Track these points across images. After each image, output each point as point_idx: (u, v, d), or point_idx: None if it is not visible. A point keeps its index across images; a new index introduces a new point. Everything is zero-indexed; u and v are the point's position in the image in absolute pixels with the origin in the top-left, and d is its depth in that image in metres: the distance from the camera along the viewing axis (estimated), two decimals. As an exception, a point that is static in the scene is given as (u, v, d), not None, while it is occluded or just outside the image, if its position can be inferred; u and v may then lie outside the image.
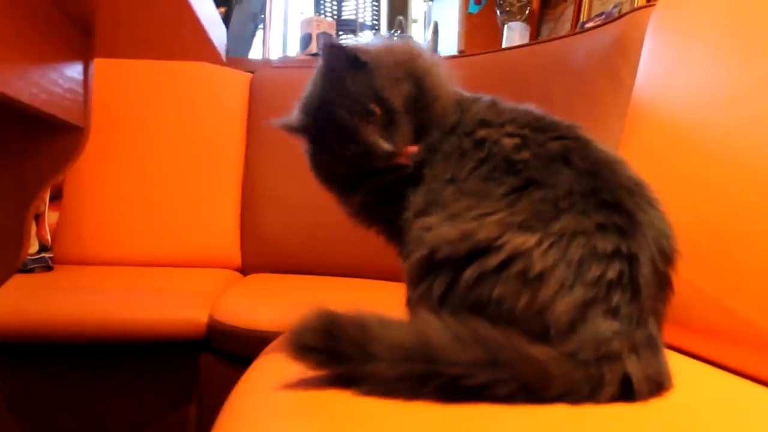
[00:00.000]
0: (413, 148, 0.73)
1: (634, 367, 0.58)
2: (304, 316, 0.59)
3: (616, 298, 0.60)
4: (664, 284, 0.65)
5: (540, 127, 0.71)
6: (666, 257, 0.64)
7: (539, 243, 0.61)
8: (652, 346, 0.61)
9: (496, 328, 0.59)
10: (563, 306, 0.59)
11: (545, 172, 0.65)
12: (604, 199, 0.63)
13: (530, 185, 0.65)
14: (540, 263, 0.60)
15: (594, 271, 0.60)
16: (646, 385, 0.59)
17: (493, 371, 0.55)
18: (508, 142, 0.69)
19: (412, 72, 0.75)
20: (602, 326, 0.59)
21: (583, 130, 0.72)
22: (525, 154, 0.67)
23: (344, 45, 0.74)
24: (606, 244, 0.61)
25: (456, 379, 0.55)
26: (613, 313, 0.60)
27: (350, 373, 0.57)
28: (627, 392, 0.58)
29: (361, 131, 0.72)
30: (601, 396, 0.57)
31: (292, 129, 0.79)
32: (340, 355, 0.58)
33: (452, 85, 0.80)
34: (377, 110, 0.72)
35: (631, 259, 0.61)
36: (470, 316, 0.61)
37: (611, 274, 0.60)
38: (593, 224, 0.62)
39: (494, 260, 0.62)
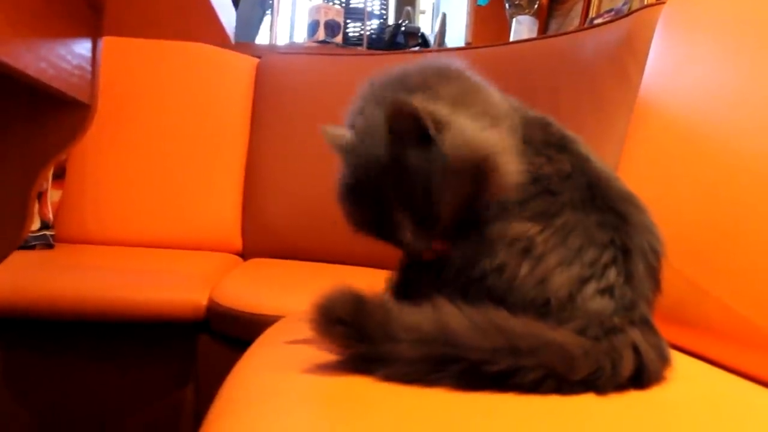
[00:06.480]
0: (439, 246, 0.67)
1: (638, 337, 0.62)
2: (331, 291, 0.60)
3: (611, 277, 0.64)
4: (654, 278, 0.68)
5: (558, 146, 0.73)
6: (655, 254, 0.68)
7: (542, 231, 0.65)
8: (648, 324, 0.65)
9: (512, 317, 0.60)
10: (562, 279, 0.63)
11: (558, 185, 0.69)
12: (599, 204, 0.68)
13: (544, 193, 0.68)
14: (542, 246, 0.64)
15: (591, 255, 0.64)
16: (653, 354, 0.62)
17: (515, 358, 0.57)
18: (538, 160, 0.71)
19: (479, 172, 0.65)
20: (601, 303, 0.63)
21: (583, 146, 0.75)
22: (547, 170, 0.70)
23: (416, 114, 0.63)
24: (602, 235, 0.66)
25: (477, 364, 0.56)
26: (609, 292, 0.63)
27: (371, 353, 0.58)
28: (639, 362, 0.61)
29: (393, 215, 0.66)
30: (622, 368, 0.60)
31: (339, 150, 0.70)
32: (364, 334, 0.58)
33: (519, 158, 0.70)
34: (422, 200, 0.64)
35: (624, 250, 0.66)
36: (474, 289, 0.64)
37: (606, 258, 0.64)
38: (591, 221, 0.66)
39: (499, 244, 0.65)
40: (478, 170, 0.64)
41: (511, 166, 0.67)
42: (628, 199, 0.70)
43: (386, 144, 0.65)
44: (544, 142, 0.73)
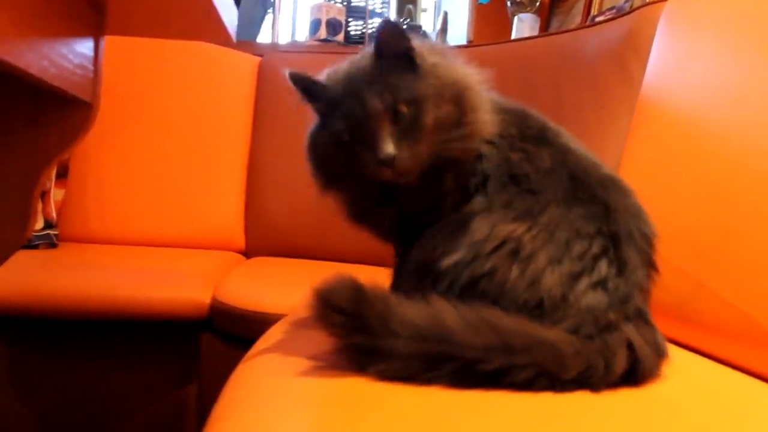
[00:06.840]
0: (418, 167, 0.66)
1: (632, 333, 0.62)
2: (331, 278, 0.60)
3: (603, 270, 0.63)
4: (646, 263, 0.68)
5: (536, 139, 0.72)
6: (645, 238, 0.68)
7: (528, 230, 0.64)
8: (643, 317, 0.65)
9: (506, 315, 0.60)
10: (554, 278, 0.62)
11: (540, 183, 0.68)
12: (582, 196, 0.68)
13: (525, 193, 0.68)
14: (530, 245, 0.64)
15: (579, 248, 0.64)
16: (648, 350, 0.62)
17: (508, 357, 0.57)
18: (514, 156, 0.71)
19: (459, 98, 0.67)
20: (594, 299, 0.62)
21: (565, 137, 0.74)
22: (527, 168, 0.69)
23: (404, 34, 0.66)
24: (589, 227, 0.65)
25: (471, 363, 0.56)
26: (602, 285, 0.63)
27: (369, 345, 0.58)
28: (633, 358, 0.61)
29: (377, 123, 0.65)
30: (615, 366, 0.59)
31: (308, 87, 0.71)
32: (363, 324, 0.58)
33: (492, 113, 0.72)
34: (406, 113, 0.65)
35: (613, 238, 0.65)
36: (466, 295, 0.63)
37: (595, 249, 0.64)
38: (576, 214, 0.66)
39: (487, 246, 0.64)
40: (457, 99, 0.67)
41: (487, 108, 0.69)
42: (611, 185, 0.70)
43: (373, 57, 0.68)
44: (520, 136, 0.72)
